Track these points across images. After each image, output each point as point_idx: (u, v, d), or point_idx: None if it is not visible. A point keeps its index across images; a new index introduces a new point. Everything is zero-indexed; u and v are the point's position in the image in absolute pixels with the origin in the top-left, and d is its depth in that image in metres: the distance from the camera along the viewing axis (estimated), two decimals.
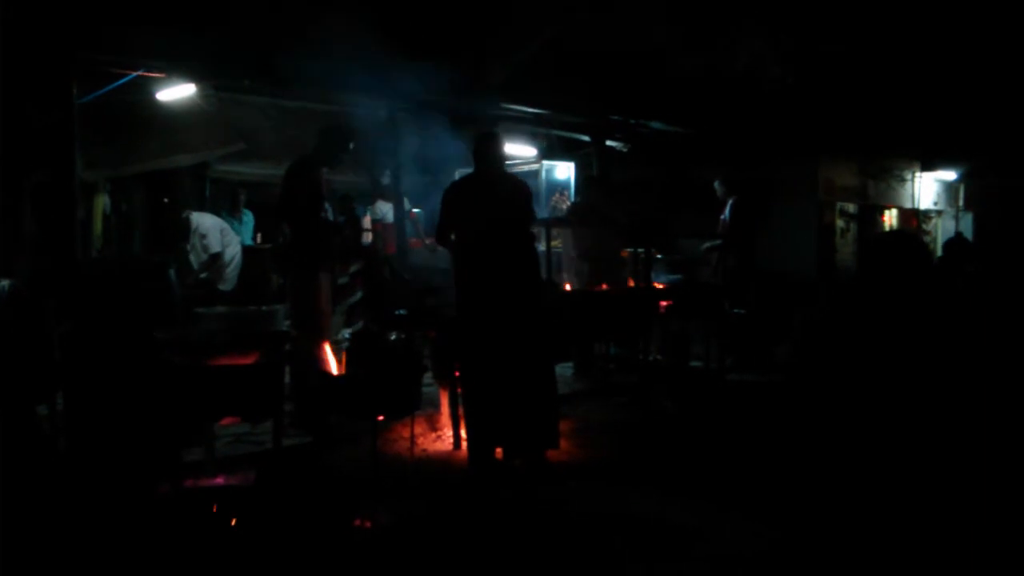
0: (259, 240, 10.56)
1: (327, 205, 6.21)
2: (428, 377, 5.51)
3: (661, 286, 8.04)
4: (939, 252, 12.06)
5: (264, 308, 5.26)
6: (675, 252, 9.81)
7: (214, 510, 4.02)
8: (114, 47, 6.42)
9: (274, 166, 8.72)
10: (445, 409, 5.77)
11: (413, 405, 4.68)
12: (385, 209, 9.74)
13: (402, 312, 6.06)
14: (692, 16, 10.29)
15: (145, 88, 7.34)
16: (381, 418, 4.63)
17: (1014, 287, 5.34)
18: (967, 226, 15.22)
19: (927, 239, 14.67)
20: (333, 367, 5.00)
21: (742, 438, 5.78)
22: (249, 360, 4.51)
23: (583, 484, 4.87)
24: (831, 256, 12.63)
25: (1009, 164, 13.29)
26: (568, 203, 10.53)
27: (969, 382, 3.27)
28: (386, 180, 9.74)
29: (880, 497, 3.39)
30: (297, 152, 6.41)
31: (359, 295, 8.86)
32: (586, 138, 10.77)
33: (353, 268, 8.79)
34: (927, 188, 14.96)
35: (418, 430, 5.68)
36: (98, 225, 9.15)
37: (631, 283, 7.93)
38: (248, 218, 10.34)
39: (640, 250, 7.86)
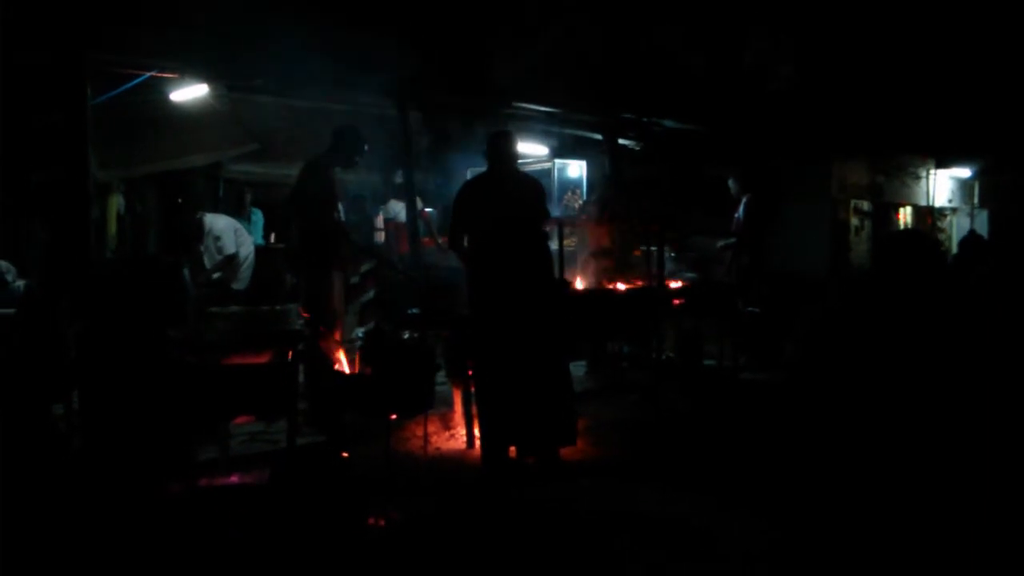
0: (272, 239, 10.58)
1: (340, 205, 6.22)
2: (441, 376, 5.52)
3: (675, 284, 8.01)
4: (954, 250, 12.01)
5: (278, 307, 5.27)
6: (688, 250, 9.77)
7: (228, 508, 4.03)
8: (124, 47, 6.44)
9: (287, 166, 8.72)
10: (458, 408, 5.77)
11: (426, 404, 4.69)
12: (397, 208, 9.74)
13: (415, 311, 6.06)
14: (704, 15, 10.27)
15: (158, 88, 7.37)
16: (395, 417, 4.64)
17: None
18: (982, 223, 15.10)
19: (942, 237, 14.56)
20: (346, 366, 5.01)
21: (753, 437, 5.76)
22: (263, 359, 4.52)
23: (594, 482, 4.87)
24: (845, 254, 12.55)
25: None
26: (580, 202, 10.51)
27: (977, 381, 3.24)
28: (398, 180, 9.74)
29: (886, 496, 3.37)
30: (310, 152, 6.42)
31: (371, 294, 8.86)
32: (598, 136, 10.74)
33: (365, 267, 8.79)
34: (942, 185, 14.85)
35: (432, 429, 5.68)
36: (112, 225, 9.18)
37: (644, 282, 7.91)
38: (257, 217, 10.35)
39: (653, 248, 7.84)
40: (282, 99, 8.54)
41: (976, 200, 15.59)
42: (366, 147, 6.21)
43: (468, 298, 5.32)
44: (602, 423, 6.16)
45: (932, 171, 14.46)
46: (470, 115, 8.76)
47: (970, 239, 9.26)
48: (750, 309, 8.10)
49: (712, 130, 11.16)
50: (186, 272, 6.48)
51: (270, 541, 3.77)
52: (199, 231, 8.53)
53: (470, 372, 5.40)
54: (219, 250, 8.54)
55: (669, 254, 8.25)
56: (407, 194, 8.66)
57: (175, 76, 7.16)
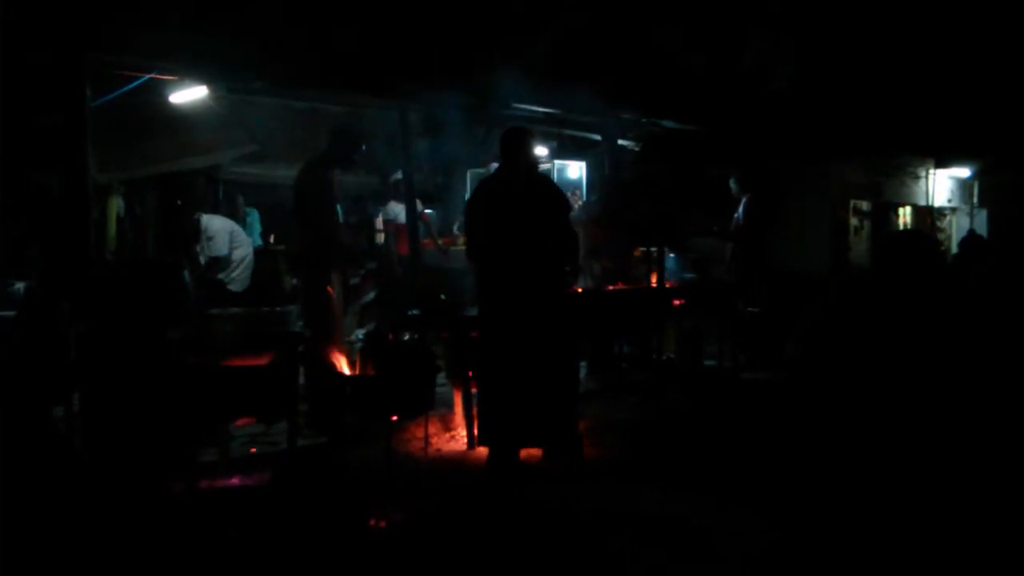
0: (272, 241, 10.58)
1: (339, 207, 6.22)
2: (442, 377, 5.52)
3: (674, 284, 8.02)
4: (954, 250, 12.01)
5: (278, 309, 5.28)
6: (688, 251, 9.78)
7: (229, 510, 4.04)
8: (124, 47, 6.44)
9: (286, 167, 8.73)
10: (459, 409, 5.77)
11: (427, 405, 4.69)
12: (397, 210, 9.74)
13: (415, 312, 6.06)
14: (704, 15, 10.28)
15: (158, 90, 7.37)
16: (395, 418, 4.64)
17: None
18: (981, 223, 15.11)
19: (941, 237, 14.57)
20: (346, 368, 5.01)
21: (753, 437, 5.76)
22: (263, 361, 4.52)
23: (595, 482, 4.87)
24: (845, 254, 12.56)
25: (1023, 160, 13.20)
26: (580, 202, 10.51)
27: (978, 380, 3.24)
28: (397, 178, 9.75)
29: (886, 496, 3.37)
30: (309, 153, 6.42)
31: (371, 295, 8.87)
32: (597, 137, 10.75)
33: (364, 269, 8.81)
34: (941, 185, 14.86)
35: (432, 430, 5.67)
36: (112, 227, 9.18)
37: (644, 282, 7.92)
38: (253, 218, 10.35)
39: (653, 249, 7.84)
40: (281, 100, 8.54)
41: (975, 200, 15.60)
42: (363, 146, 6.21)
43: (477, 301, 5.28)
44: (602, 424, 6.16)
45: (931, 171, 14.47)
46: (470, 116, 8.75)
47: (970, 239, 9.26)
48: (750, 309, 8.10)
49: (712, 130, 11.17)
50: (186, 273, 6.47)
51: (271, 542, 3.77)
52: (196, 231, 8.54)
53: (471, 373, 5.39)
54: (211, 251, 8.55)
55: (669, 254, 8.26)
56: (407, 196, 8.67)
57: (174, 78, 7.17)
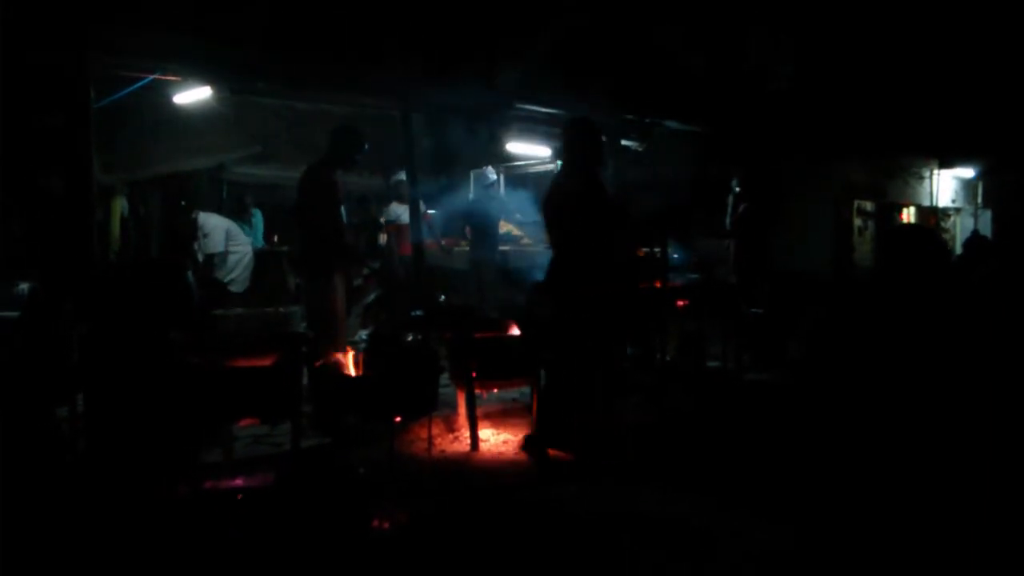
0: (276, 241, 10.59)
1: (342, 208, 6.22)
2: (445, 378, 5.52)
3: (677, 285, 8.00)
4: (958, 251, 11.98)
5: (282, 310, 5.28)
6: (691, 251, 9.77)
7: (233, 511, 4.03)
8: (127, 48, 6.46)
9: (289, 168, 8.75)
10: (462, 410, 5.76)
11: (430, 406, 4.69)
12: (400, 211, 9.75)
13: (418, 313, 6.06)
14: (705, 15, 10.26)
15: (161, 91, 7.38)
16: (398, 419, 4.63)
17: None
18: (986, 223, 15.09)
19: (946, 237, 14.55)
20: (350, 369, 5.01)
21: (755, 437, 5.75)
22: (267, 362, 4.52)
23: (595, 482, 4.86)
24: (849, 255, 12.55)
25: None
26: None
27: (981, 381, 3.24)
28: (398, 179, 9.76)
29: (889, 496, 3.37)
30: (312, 153, 6.43)
31: (373, 296, 8.87)
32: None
33: (367, 270, 8.81)
34: (945, 185, 14.84)
35: (435, 431, 5.67)
36: (116, 228, 9.20)
37: (646, 283, 7.90)
38: (258, 219, 10.36)
39: (656, 249, 7.82)
40: (284, 101, 8.56)
41: (980, 200, 15.58)
42: (365, 146, 6.20)
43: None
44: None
45: (935, 171, 14.46)
46: (472, 116, 8.76)
47: (974, 240, 9.25)
48: (753, 310, 8.08)
49: (714, 131, 11.16)
50: (190, 274, 6.48)
51: (274, 543, 3.77)
52: (194, 229, 8.54)
53: (474, 374, 5.41)
54: (206, 248, 8.55)
55: (672, 255, 8.24)
56: (410, 196, 8.68)
57: (178, 79, 7.18)
